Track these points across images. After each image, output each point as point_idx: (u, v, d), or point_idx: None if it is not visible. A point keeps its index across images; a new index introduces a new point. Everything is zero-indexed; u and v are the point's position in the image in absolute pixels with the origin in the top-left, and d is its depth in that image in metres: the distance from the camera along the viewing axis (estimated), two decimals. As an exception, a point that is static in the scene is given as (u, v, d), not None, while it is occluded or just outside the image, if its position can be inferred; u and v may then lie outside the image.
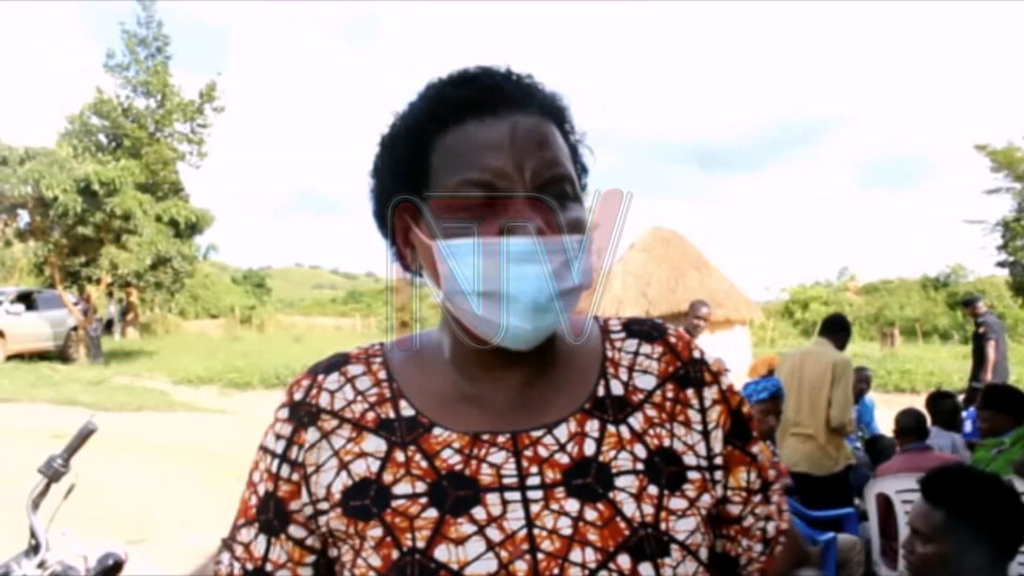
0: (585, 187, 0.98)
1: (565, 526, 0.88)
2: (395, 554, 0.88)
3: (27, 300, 20.28)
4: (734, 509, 1.02)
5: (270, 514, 0.97)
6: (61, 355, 20.33)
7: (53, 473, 2.17)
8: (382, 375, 1.00)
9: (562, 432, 0.94)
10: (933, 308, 34.41)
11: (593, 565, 0.86)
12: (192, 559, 5.93)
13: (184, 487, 8.07)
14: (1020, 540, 2.24)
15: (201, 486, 8.14)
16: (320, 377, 1.00)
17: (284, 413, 0.99)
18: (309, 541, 0.96)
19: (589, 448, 0.93)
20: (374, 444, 0.94)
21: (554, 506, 0.89)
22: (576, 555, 0.87)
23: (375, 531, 0.90)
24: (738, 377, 7.09)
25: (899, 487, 4.33)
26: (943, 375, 17.09)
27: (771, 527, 1.05)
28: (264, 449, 1.00)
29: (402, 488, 0.91)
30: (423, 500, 0.90)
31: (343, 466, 0.94)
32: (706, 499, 0.95)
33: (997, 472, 3.48)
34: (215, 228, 23.49)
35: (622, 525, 0.88)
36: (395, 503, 0.90)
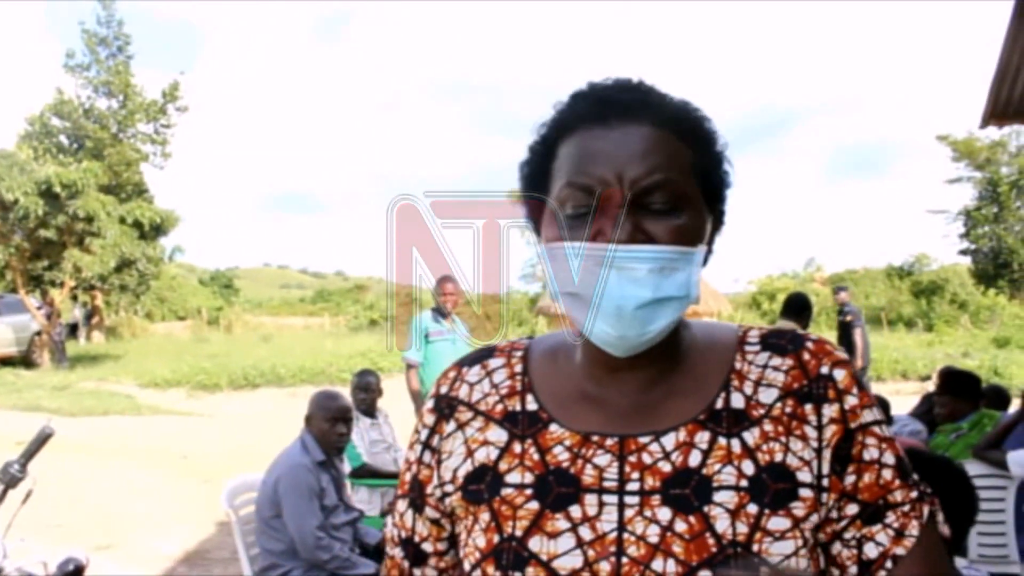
0: (722, 199, 1.00)
1: (653, 534, 0.89)
2: (496, 539, 0.94)
3: (-11, 305, 19.99)
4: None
5: (415, 494, 1.07)
6: (25, 361, 20.02)
7: (9, 479, 2.15)
8: (518, 368, 1.07)
9: (670, 440, 0.94)
10: (898, 297, 34.78)
11: None
12: (160, 563, 5.89)
13: (152, 491, 8.00)
14: (970, 521, 2.29)
15: (169, 489, 8.07)
16: (464, 370, 1.09)
17: (431, 404, 1.09)
18: (442, 521, 1.05)
19: (694, 459, 0.93)
20: (497, 434, 1.01)
21: (647, 513, 0.91)
22: (658, 564, 0.88)
23: (484, 515, 0.97)
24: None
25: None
26: (908, 363, 17.34)
27: (869, 548, 0.94)
28: (416, 432, 1.10)
29: (513, 477, 0.97)
30: (528, 492, 0.96)
31: (469, 453, 1.02)
32: (814, 519, 0.91)
33: (947, 455, 3.55)
34: (181, 229, 23.37)
35: (711, 541, 0.88)
36: (504, 491, 0.97)
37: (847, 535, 0.94)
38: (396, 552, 1.10)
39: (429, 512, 1.06)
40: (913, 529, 0.94)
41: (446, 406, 1.07)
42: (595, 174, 0.91)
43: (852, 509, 0.94)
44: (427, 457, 1.06)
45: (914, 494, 0.96)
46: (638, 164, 0.91)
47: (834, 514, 0.94)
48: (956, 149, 34.98)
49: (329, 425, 4.04)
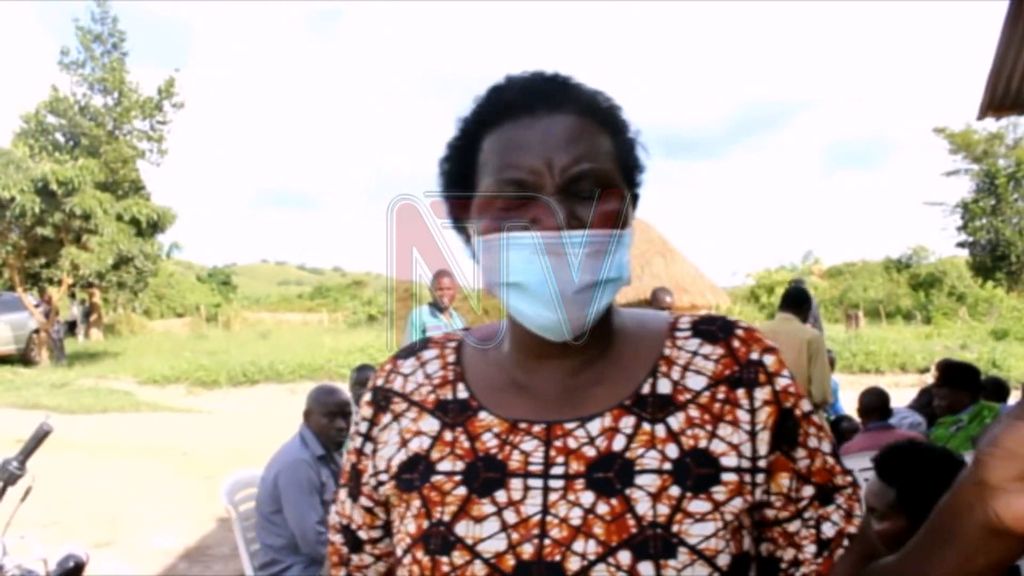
0: (638, 184, 1.03)
1: (576, 516, 0.91)
2: (425, 524, 0.96)
3: (-14, 303, 19.93)
4: (771, 513, 0.98)
5: (353, 483, 1.10)
6: (23, 358, 19.99)
7: (8, 476, 2.14)
8: (451, 359, 1.09)
9: (595, 426, 0.96)
10: (896, 289, 34.83)
11: (592, 557, 0.89)
12: (160, 559, 5.88)
13: (151, 488, 8.00)
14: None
15: (169, 486, 8.07)
16: (399, 362, 1.12)
17: (368, 396, 1.11)
18: (375, 510, 1.07)
19: (618, 444, 0.95)
20: (429, 424, 1.03)
21: (571, 496, 0.93)
22: (579, 545, 0.90)
23: (415, 502, 0.99)
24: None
25: (862, 465, 4.38)
26: (907, 355, 17.36)
27: (827, 528, 0.97)
28: (356, 424, 1.12)
29: (444, 465, 0.99)
30: (457, 478, 0.97)
31: (403, 443, 1.04)
32: (737, 503, 0.93)
33: (948, 448, 3.54)
34: (178, 226, 23.39)
35: (631, 522, 0.90)
36: (435, 478, 0.99)
37: (807, 515, 0.97)
38: (336, 538, 1.14)
39: (363, 501, 1.08)
40: (857, 510, 1.00)
41: (382, 398, 1.09)
42: (525, 164, 0.93)
43: (809, 491, 0.98)
44: (366, 448, 1.08)
45: (849, 478, 1.01)
46: (565, 152, 0.93)
47: (793, 494, 0.97)
48: (953, 141, 35.01)
49: (328, 420, 4.04)
